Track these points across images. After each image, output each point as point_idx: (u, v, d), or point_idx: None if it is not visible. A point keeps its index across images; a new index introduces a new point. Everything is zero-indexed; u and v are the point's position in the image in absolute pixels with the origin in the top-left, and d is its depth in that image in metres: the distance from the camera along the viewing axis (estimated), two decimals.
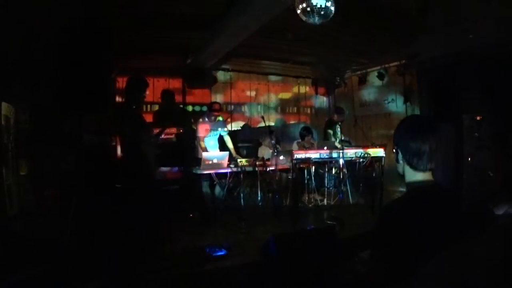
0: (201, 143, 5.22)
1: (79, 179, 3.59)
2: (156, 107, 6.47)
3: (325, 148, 4.97)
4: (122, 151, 4.20)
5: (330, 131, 6.29)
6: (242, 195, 5.03)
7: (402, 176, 1.44)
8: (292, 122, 8.23)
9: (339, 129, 6.29)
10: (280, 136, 6.96)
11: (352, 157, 4.92)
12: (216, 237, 3.93)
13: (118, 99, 5.65)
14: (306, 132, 6.17)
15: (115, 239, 3.32)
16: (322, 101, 8.72)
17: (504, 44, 4.48)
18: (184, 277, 2.82)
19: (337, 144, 5.85)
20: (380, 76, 7.08)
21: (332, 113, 6.64)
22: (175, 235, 3.94)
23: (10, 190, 3.52)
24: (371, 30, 5.28)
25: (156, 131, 4.48)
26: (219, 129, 5.44)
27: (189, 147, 5.39)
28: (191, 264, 2.93)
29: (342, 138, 6.35)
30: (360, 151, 4.88)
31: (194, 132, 5.39)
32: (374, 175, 5.13)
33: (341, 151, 4.82)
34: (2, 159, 3.41)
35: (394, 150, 1.46)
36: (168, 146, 4.96)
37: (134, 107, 4.09)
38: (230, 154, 5.11)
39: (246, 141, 6.59)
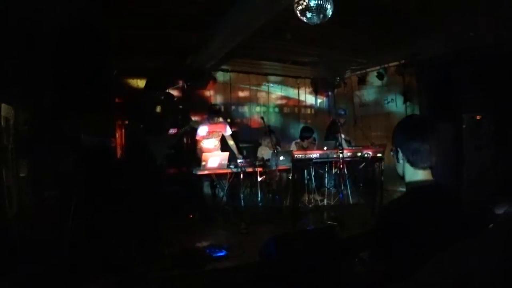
0: (202, 144, 5.22)
1: (79, 179, 3.59)
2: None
3: (325, 148, 4.95)
4: (132, 150, 4.23)
5: (337, 135, 5.87)
6: (242, 195, 5.03)
7: (402, 177, 1.44)
8: (291, 122, 8.23)
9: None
10: (279, 136, 6.95)
11: (352, 157, 4.91)
12: (216, 237, 3.92)
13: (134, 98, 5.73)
14: (307, 133, 6.06)
15: (115, 239, 3.32)
16: (322, 101, 8.71)
17: (504, 43, 4.48)
18: (184, 277, 2.82)
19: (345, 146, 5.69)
20: (380, 76, 7.07)
21: (336, 116, 6.34)
22: (175, 235, 3.94)
23: (10, 191, 3.52)
24: (370, 30, 5.27)
25: (174, 131, 4.50)
26: (220, 130, 5.44)
27: (190, 148, 5.40)
28: (191, 264, 2.92)
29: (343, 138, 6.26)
30: (360, 151, 4.88)
31: (194, 133, 5.40)
32: (374, 175, 5.13)
33: (340, 151, 4.81)
34: (2, 160, 3.41)
35: (392, 152, 1.45)
36: (174, 147, 4.98)
37: (150, 106, 4.16)
38: (234, 155, 5.11)
39: (246, 141, 6.58)
